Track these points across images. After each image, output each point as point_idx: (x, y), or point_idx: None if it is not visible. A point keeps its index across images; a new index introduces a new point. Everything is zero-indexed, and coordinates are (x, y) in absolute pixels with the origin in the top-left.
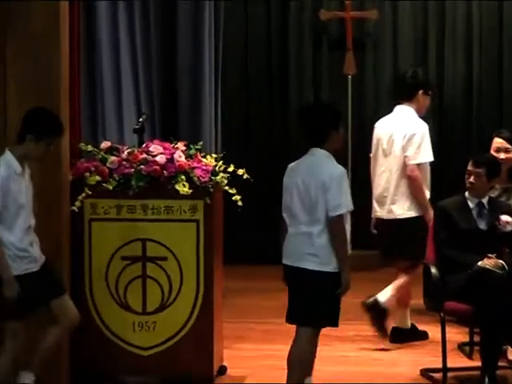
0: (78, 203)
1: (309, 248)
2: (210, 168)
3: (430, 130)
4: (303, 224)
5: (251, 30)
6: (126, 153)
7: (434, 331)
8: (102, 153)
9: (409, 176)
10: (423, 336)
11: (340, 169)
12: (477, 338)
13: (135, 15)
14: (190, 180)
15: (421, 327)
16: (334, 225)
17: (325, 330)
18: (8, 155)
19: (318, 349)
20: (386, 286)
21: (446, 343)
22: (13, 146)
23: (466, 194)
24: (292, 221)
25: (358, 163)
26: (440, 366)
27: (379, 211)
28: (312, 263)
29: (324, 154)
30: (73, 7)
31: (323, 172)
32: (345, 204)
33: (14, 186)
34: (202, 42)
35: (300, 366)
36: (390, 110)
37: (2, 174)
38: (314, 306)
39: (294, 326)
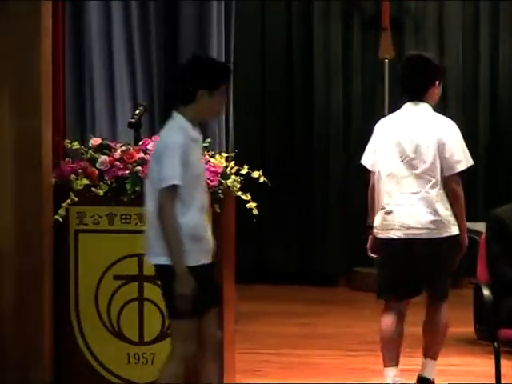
0: (62, 211)
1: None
2: (220, 170)
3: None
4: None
5: (268, 10)
6: (119, 151)
7: (486, 364)
8: (90, 151)
9: None
10: None
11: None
12: None
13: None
14: None
15: (471, 360)
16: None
17: None
18: (180, 120)
19: None
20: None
21: (500, 379)
22: (181, 109)
23: None
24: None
25: None
26: None
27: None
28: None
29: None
30: None
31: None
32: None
33: (193, 154)
34: (209, 28)
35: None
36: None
37: (179, 142)
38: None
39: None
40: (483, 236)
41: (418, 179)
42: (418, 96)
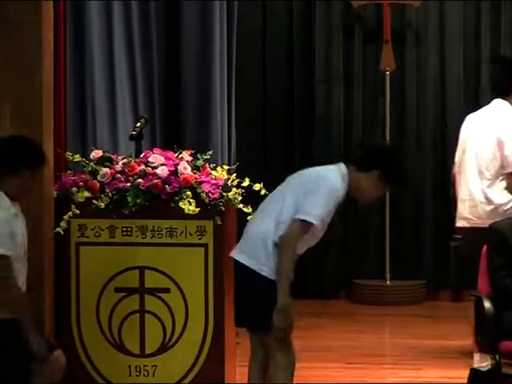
0: (63, 224)
1: None
2: (221, 182)
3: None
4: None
5: (270, 21)
6: (120, 164)
7: None
8: (91, 164)
9: None
10: None
11: None
12: None
13: (132, 9)
14: (196, 196)
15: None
16: None
17: None
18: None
19: None
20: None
21: None
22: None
23: None
24: None
25: None
26: None
27: None
28: None
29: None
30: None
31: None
32: None
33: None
34: (210, 36)
35: None
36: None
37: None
38: None
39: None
40: (484, 249)
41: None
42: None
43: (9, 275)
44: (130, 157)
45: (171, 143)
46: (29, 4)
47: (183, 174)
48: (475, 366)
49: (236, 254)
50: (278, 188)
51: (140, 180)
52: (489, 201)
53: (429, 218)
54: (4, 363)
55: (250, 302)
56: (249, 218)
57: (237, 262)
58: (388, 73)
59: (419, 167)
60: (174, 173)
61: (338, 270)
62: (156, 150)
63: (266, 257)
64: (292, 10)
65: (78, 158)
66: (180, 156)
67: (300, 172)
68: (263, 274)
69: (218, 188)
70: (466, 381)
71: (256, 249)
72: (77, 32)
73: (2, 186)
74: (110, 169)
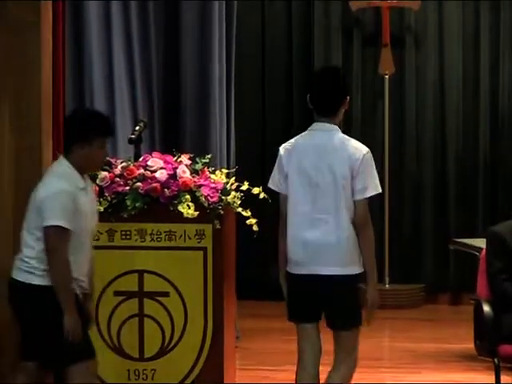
0: None
1: None
2: (220, 186)
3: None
4: None
5: (269, 24)
6: (119, 167)
7: (486, 380)
8: None
9: None
10: None
11: None
12: None
13: (131, 10)
14: (195, 200)
15: (471, 376)
16: None
17: None
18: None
19: None
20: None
21: None
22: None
23: None
24: None
25: (396, 172)
26: None
27: None
28: None
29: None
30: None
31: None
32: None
33: None
34: (209, 38)
35: None
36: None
37: None
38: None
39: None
40: (483, 252)
41: None
42: None
43: (59, 247)
44: (129, 160)
45: (170, 147)
46: (28, 4)
47: (182, 177)
48: None
49: None
50: None
51: (139, 184)
52: None
53: (428, 222)
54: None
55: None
56: (248, 221)
57: None
58: (387, 76)
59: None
60: (173, 176)
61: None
62: (155, 153)
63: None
64: (291, 13)
65: None
66: (179, 160)
67: None
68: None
69: (217, 192)
70: None
71: None
72: (76, 32)
73: (71, 158)
74: (109, 172)
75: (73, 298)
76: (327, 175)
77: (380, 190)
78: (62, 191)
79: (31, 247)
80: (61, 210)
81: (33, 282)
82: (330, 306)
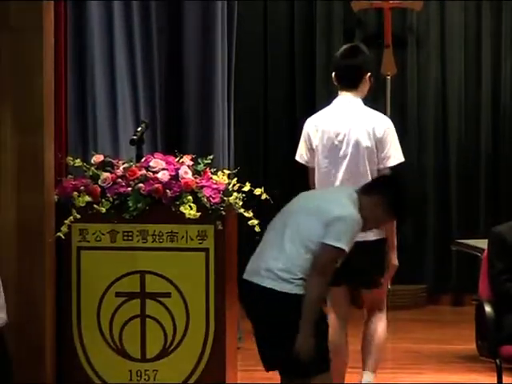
0: (64, 228)
1: None
2: (222, 187)
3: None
4: None
5: (271, 25)
6: (121, 168)
7: (488, 381)
8: (92, 168)
9: None
10: None
11: None
12: None
13: (133, 11)
14: (197, 201)
15: (473, 377)
16: None
17: None
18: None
19: None
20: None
21: None
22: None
23: None
24: None
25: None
26: None
27: None
28: None
29: None
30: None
31: None
32: None
33: None
34: (212, 39)
35: None
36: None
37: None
38: None
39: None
40: (485, 253)
41: None
42: None
43: (329, 269)
44: (131, 161)
45: (172, 148)
46: (30, 4)
47: (184, 178)
48: None
49: None
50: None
51: (141, 184)
52: None
53: (429, 223)
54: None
55: None
56: (250, 222)
57: None
58: (389, 77)
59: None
60: (175, 177)
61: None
62: (157, 154)
63: None
64: (293, 14)
65: (78, 162)
66: (181, 160)
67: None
68: None
69: (219, 192)
70: None
71: None
72: (78, 33)
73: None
74: (111, 173)
75: (313, 321)
76: (351, 146)
77: (403, 159)
78: (356, 221)
79: (296, 255)
80: (350, 237)
81: (292, 292)
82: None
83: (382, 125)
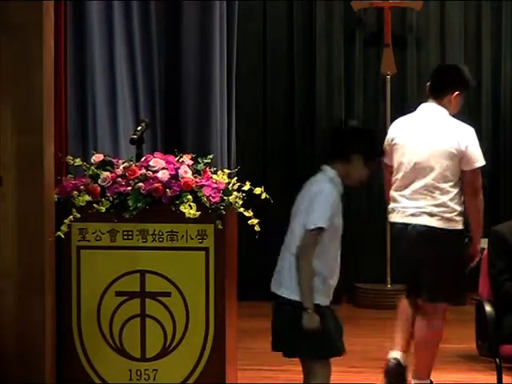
0: (64, 228)
1: None
2: (222, 186)
3: (483, 141)
4: None
5: (271, 25)
6: (121, 168)
7: (488, 380)
8: (92, 168)
9: None
10: None
11: None
12: None
13: (133, 11)
14: (197, 200)
15: (473, 376)
16: None
17: None
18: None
19: None
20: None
21: None
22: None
23: None
24: None
25: None
26: None
27: None
28: None
29: None
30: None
31: None
32: None
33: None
34: (211, 39)
35: None
36: None
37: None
38: None
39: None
40: (485, 252)
41: None
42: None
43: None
44: (131, 161)
45: (172, 147)
46: (30, 5)
47: (184, 177)
48: None
49: None
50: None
51: (141, 184)
52: None
53: None
54: None
55: None
56: (249, 222)
57: None
58: (389, 76)
59: None
60: (175, 177)
61: (339, 273)
62: (157, 153)
63: None
64: (293, 14)
65: (78, 162)
66: (181, 160)
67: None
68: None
69: (219, 192)
70: None
71: None
72: (78, 33)
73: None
74: (111, 173)
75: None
76: (430, 152)
77: (484, 162)
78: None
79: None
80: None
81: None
82: None
83: (467, 136)
